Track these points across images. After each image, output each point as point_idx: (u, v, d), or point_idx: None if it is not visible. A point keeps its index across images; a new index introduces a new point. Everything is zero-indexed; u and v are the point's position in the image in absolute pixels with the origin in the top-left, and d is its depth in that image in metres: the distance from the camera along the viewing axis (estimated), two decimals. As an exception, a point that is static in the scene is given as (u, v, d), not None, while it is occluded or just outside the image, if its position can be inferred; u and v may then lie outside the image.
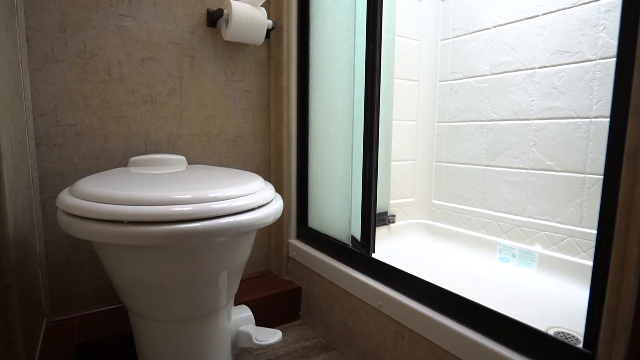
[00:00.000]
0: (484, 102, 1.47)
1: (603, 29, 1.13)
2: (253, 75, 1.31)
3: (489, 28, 1.43)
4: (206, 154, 1.24)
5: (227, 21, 1.17)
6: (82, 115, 1.04)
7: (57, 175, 1.02)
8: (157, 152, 1.16)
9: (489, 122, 1.46)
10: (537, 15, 1.28)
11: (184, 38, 1.17)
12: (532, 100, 1.31)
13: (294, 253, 1.31)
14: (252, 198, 0.69)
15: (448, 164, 1.63)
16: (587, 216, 1.19)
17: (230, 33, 1.15)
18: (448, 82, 1.61)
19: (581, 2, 1.17)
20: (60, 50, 1.00)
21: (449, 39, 1.59)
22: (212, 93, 1.23)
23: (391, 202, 1.63)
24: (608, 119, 1.12)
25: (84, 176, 1.04)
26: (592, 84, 1.16)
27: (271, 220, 0.72)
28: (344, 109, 1.11)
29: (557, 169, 1.25)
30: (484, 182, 1.48)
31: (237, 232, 0.64)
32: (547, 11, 1.26)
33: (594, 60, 1.15)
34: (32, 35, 0.96)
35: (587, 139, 1.18)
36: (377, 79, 0.99)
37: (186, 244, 0.64)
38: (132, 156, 1.11)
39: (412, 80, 1.63)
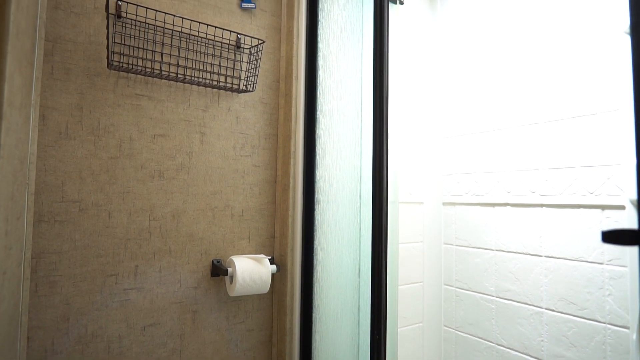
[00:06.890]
0: (492, 322, 1.43)
1: (609, 294, 1.12)
2: (255, 312, 1.29)
3: (492, 249, 1.44)
4: (204, 407, 1.18)
5: (232, 278, 1.18)
6: (75, 403, 1.00)
7: None
8: (152, 421, 1.10)
9: (498, 347, 1.41)
10: (540, 255, 1.29)
11: (187, 294, 1.17)
12: (542, 341, 1.27)
13: None
14: None
15: (457, 375, 1.55)
16: None
17: (235, 291, 1.14)
18: (453, 289, 1.59)
19: (583, 259, 1.18)
20: (61, 341, 0.98)
21: (452, 245, 1.60)
22: (213, 342, 1.20)
23: (399, 415, 1.54)
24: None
25: None
26: (604, 347, 1.13)
27: None
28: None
29: None
30: (498, 411, 1.40)
31: None
32: (550, 255, 1.26)
33: (604, 323, 1.13)
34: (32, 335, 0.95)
35: (605, 404, 1.12)
36: (382, 334, 0.96)
37: None
38: None
39: (416, 283, 1.61)
